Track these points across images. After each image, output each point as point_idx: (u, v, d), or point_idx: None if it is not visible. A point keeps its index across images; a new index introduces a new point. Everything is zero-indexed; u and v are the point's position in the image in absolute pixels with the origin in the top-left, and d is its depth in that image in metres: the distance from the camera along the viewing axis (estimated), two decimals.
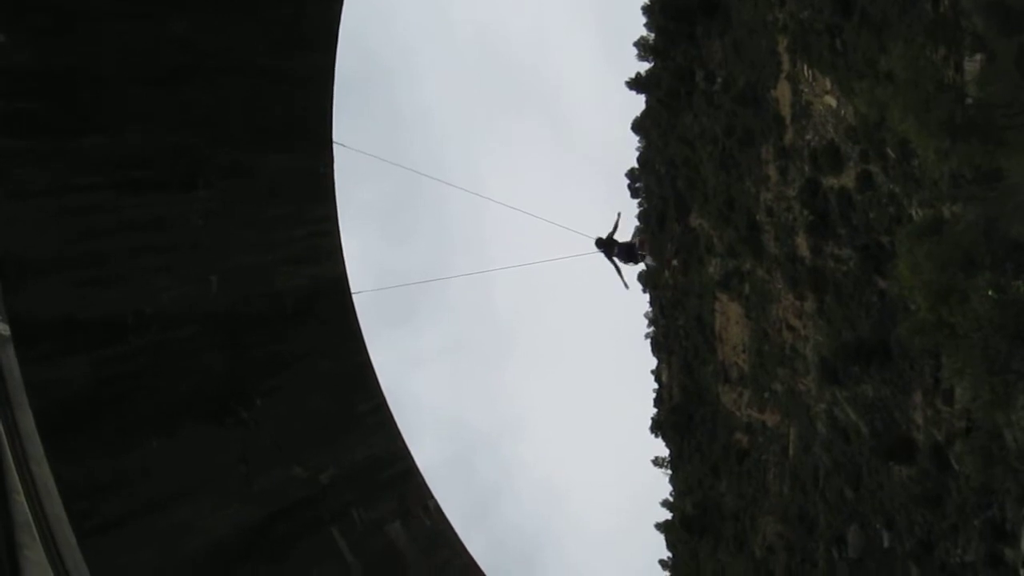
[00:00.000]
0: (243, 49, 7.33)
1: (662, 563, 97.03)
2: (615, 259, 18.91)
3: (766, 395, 74.66)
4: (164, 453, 6.46)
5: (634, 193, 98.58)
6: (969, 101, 35.20)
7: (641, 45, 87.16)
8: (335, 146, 9.23)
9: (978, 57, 37.90)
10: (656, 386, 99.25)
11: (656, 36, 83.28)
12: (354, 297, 9.88)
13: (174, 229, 6.94)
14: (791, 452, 72.79)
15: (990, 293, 22.28)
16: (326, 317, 9.20)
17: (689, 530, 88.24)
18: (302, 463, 7.95)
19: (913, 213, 46.93)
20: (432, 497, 10.11)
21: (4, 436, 5.76)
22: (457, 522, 10.24)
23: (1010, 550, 42.02)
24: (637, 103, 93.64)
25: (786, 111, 61.40)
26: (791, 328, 68.17)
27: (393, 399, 10.21)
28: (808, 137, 59.24)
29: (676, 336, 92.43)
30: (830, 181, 57.37)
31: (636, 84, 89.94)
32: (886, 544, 57.38)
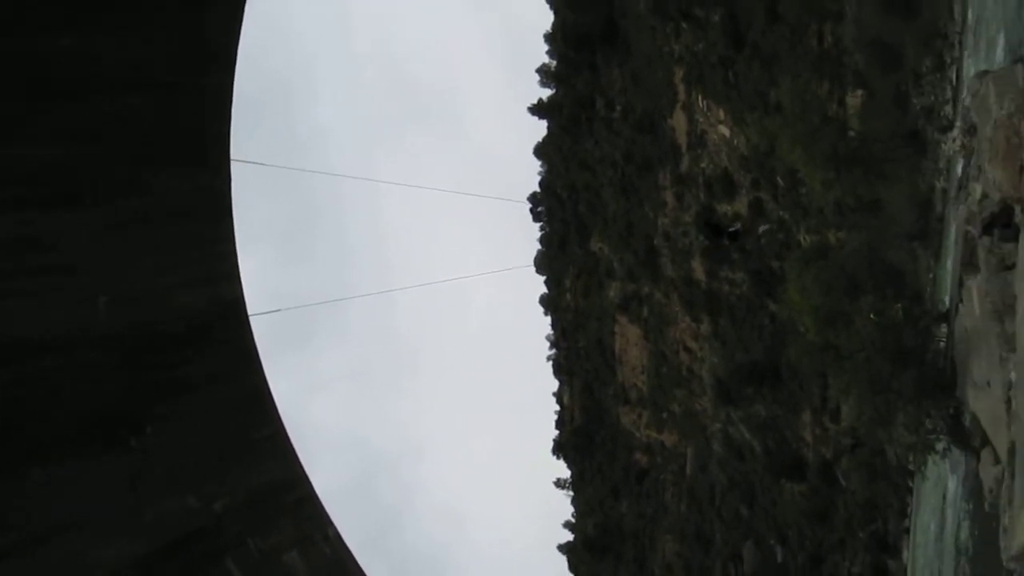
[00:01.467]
0: (138, 63, 7.10)
1: None
2: (726, 241, 20.09)
3: (664, 415, 76.28)
4: (48, 484, 6.13)
5: (536, 217, 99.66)
6: (851, 134, 36.98)
7: (543, 72, 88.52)
8: (233, 165, 9.00)
9: (859, 93, 39.93)
10: (558, 408, 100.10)
11: (558, 64, 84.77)
12: (251, 319, 9.62)
13: (60, 249, 6.63)
14: (688, 471, 74.44)
15: (872, 316, 23.32)
16: (222, 340, 8.92)
17: (591, 551, 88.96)
18: (196, 492, 7.65)
19: (801, 239, 48.95)
20: (332, 524, 9.87)
21: None
22: (358, 549, 10.06)
23: (893, 561, 43.92)
24: (539, 128, 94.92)
25: (682, 139, 63.26)
26: (688, 350, 69.94)
27: (292, 424, 9.97)
28: (703, 165, 61.17)
29: (577, 358, 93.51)
30: (724, 207, 59.36)
31: (538, 110, 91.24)
32: (779, 559, 59.19)
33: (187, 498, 7.56)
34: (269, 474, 9.09)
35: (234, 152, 9.41)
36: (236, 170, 9.40)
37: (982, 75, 11.13)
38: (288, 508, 9.24)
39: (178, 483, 7.35)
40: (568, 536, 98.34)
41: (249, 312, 9.67)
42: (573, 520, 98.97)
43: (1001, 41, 24.26)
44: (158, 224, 7.75)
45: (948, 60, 32.16)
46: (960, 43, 31.23)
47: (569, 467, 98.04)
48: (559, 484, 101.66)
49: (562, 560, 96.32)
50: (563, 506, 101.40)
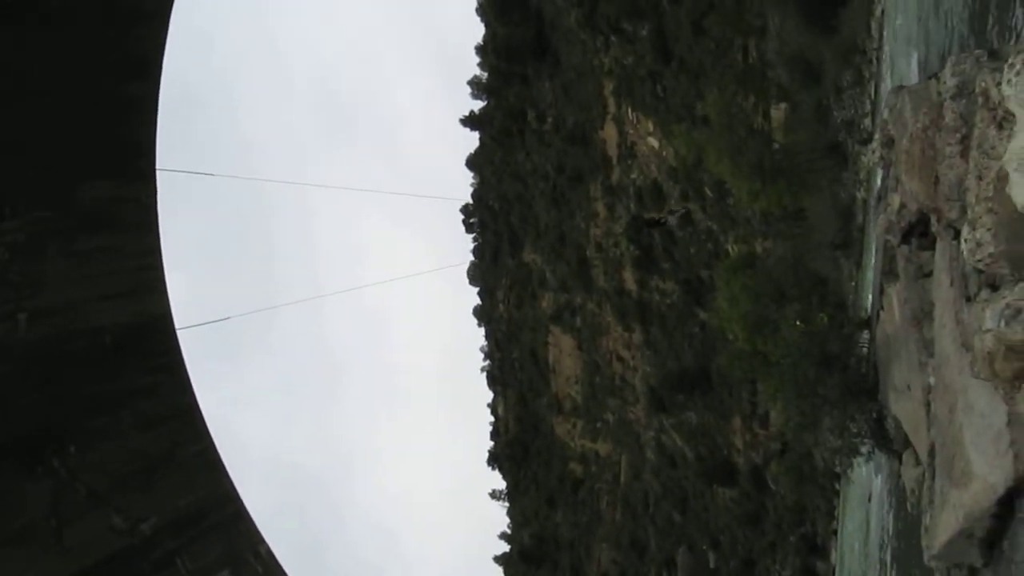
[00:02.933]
0: (64, 73, 6.90)
1: None
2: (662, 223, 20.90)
3: (598, 425, 76.89)
4: None
5: (469, 228, 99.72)
6: (776, 146, 37.90)
7: (475, 84, 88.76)
8: (160, 177, 8.80)
9: (783, 106, 40.97)
10: (492, 419, 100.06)
11: (489, 76, 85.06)
12: (179, 333, 9.39)
13: None
14: (623, 479, 75.12)
15: (798, 323, 23.88)
16: (148, 356, 8.69)
17: (527, 561, 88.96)
18: (122, 512, 7.42)
19: (729, 249, 49.95)
20: (263, 542, 9.68)
21: None
22: (291, 567, 9.90)
23: (822, 563, 44.96)
24: (471, 140, 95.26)
25: (613, 151, 64.02)
26: (620, 359, 70.66)
27: (218, 440, 9.76)
28: (633, 176, 61.99)
29: (511, 369, 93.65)
30: (654, 217, 60.22)
31: (470, 121, 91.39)
32: (712, 564, 60.04)
33: (113, 518, 7.32)
34: (199, 492, 8.88)
35: (158, 162, 9.18)
36: (161, 181, 9.17)
37: (898, 90, 11.53)
38: (219, 526, 9.03)
39: (103, 503, 7.12)
40: (504, 547, 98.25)
41: (176, 325, 9.44)
42: (509, 531, 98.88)
43: (916, 58, 25.24)
44: (81, 236, 7.52)
45: (867, 75, 33.25)
46: (878, 59, 32.34)
47: (504, 478, 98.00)
48: (494, 495, 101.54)
49: (499, 571, 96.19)
50: (499, 517, 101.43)
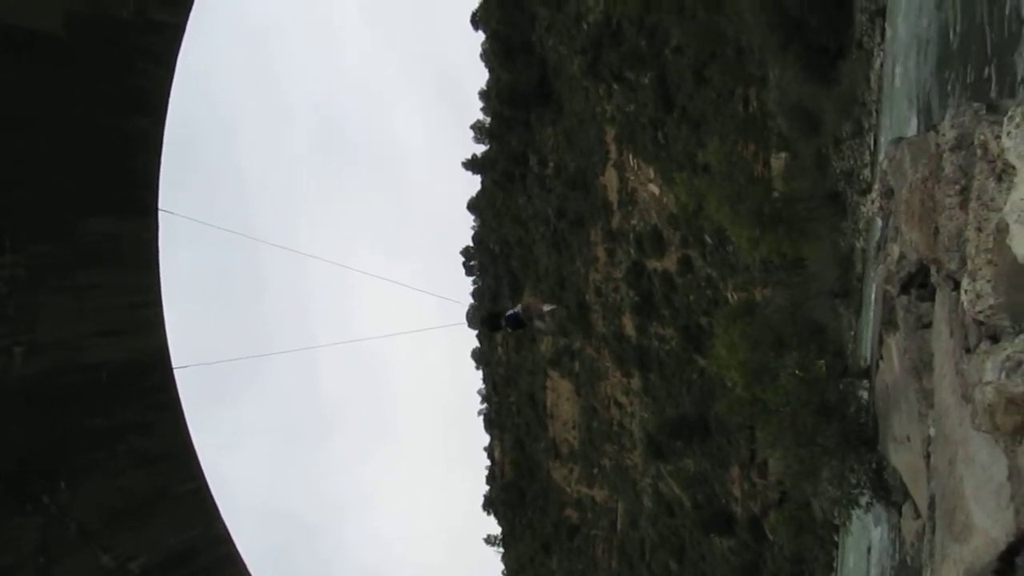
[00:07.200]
0: (68, 106, 6.95)
1: None
2: (507, 329, 18.86)
3: (595, 471, 76.17)
4: None
5: (469, 271, 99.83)
6: (776, 194, 38.05)
7: (478, 128, 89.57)
8: (160, 215, 8.81)
9: (783, 155, 41.26)
10: (488, 463, 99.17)
11: (492, 121, 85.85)
12: (175, 372, 9.34)
13: None
14: (619, 526, 74.24)
15: (796, 372, 23.73)
16: (144, 393, 8.62)
17: None
18: (111, 550, 7.31)
19: (729, 296, 49.96)
20: None
21: None
22: None
23: None
24: (473, 183, 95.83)
25: (613, 197, 64.38)
26: (619, 405, 70.27)
27: (211, 483, 9.66)
28: (633, 222, 62.25)
29: (509, 413, 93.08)
30: (653, 264, 60.40)
31: (472, 165, 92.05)
32: None
33: (102, 557, 7.21)
34: (190, 532, 8.75)
35: (163, 202, 9.18)
36: (164, 221, 9.16)
37: (898, 141, 11.64)
38: (209, 567, 8.89)
39: (93, 541, 7.00)
40: None
41: (174, 364, 9.37)
42: None
43: (915, 110, 25.52)
44: (81, 272, 7.50)
45: (866, 126, 33.53)
46: (877, 111, 32.65)
47: (500, 523, 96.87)
48: (489, 541, 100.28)
49: None
50: (493, 563, 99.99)
